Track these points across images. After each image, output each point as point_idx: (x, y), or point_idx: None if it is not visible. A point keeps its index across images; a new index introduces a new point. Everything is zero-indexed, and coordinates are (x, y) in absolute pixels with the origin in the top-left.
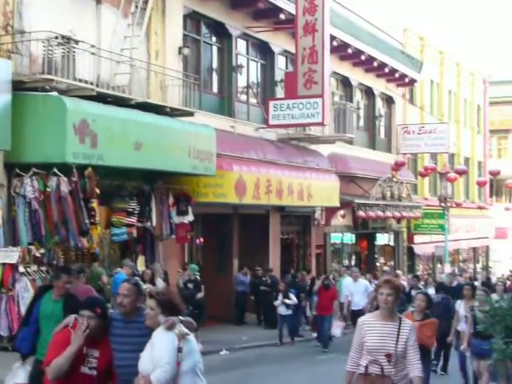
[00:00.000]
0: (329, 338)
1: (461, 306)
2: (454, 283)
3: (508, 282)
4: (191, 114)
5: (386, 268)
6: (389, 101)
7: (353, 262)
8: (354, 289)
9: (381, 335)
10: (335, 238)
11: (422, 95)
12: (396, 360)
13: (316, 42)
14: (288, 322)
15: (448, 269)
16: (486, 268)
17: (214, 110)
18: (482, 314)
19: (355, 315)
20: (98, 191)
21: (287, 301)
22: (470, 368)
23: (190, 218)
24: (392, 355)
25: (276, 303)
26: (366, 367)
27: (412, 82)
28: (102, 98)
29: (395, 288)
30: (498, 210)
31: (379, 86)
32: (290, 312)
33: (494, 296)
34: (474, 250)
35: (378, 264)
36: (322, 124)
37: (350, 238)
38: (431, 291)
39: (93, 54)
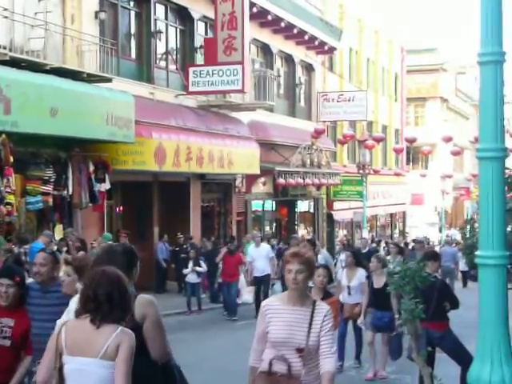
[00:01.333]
0: (236, 305)
1: (343, 275)
2: (366, 249)
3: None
4: (109, 80)
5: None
6: (309, 68)
7: (273, 229)
8: (257, 254)
9: (288, 324)
10: (256, 205)
11: (342, 63)
12: (308, 356)
13: (236, 8)
14: (198, 290)
15: (366, 234)
16: (403, 233)
17: (132, 77)
18: (392, 276)
19: (259, 281)
20: (12, 159)
21: (198, 268)
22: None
23: (107, 186)
24: (303, 350)
25: (185, 271)
26: (270, 364)
27: (331, 49)
28: (15, 63)
29: (306, 262)
30: (414, 176)
31: (299, 53)
32: (199, 280)
33: (388, 258)
34: (392, 215)
35: (298, 230)
36: (242, 91)
37: (270, 205)
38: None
39: (5, 17)
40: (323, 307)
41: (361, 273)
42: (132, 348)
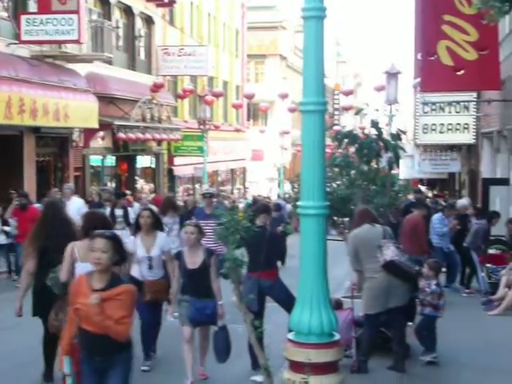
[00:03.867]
0: None
1: (136, 243)
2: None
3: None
4: None
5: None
6: (148, 21)
7: (113, 185)
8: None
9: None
10: (95, 160)
11: (182, 17)
12: None
13: None
14: (6, 251)
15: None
16: (244, 189)
17: None
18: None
19: None
20: None
21: (6, 228)
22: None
23: None
24: None
25: None
26: None
27: (171, 2)
28: None
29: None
30: (254, 132)
31: (139, 5)
32: (10, 241)
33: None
34: (232, 171)
35: (138, 186)
36: (78, 42)
37: (110, 160)
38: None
39: None
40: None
41: (162, 238)
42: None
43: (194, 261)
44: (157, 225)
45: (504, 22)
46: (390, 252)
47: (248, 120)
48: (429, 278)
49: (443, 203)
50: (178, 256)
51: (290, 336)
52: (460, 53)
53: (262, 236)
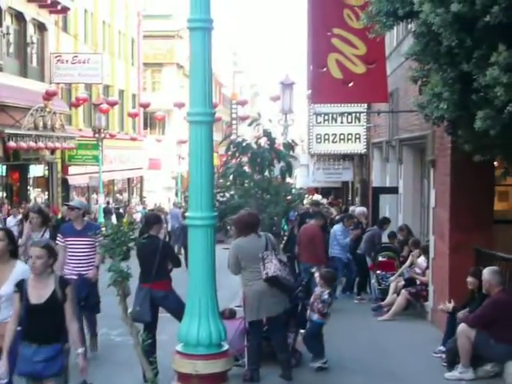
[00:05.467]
0: None
1: None
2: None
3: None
4: None
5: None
6: (41, 27)
7: (4, 195)
8: None
9: None
10: None
11: (76, 24)
12: None
13: None
14: None
15: (102, 200)
16: (141, 198)
17: None
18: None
19: None
20: None
21: None
22: None
23: None
24: None
25: None
26: None
27: (65, 9)
28: None
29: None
30: (151, 141)
31: (31, 11)
32: None
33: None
34: (129, 180)
35: (31, 196)
36: None
37: (0, 169)
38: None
39: None
40: None
41: (20, 270)
42: None
43: (39, 293)
44: (14, 252)
45: (392, 37)
46: (272, 266)
47: (145, 129)
48: (321, 286)
49: (334, 212)
50: (20, 287)
51: (178, 348)
52: (349, 66)
53: (155, 246)
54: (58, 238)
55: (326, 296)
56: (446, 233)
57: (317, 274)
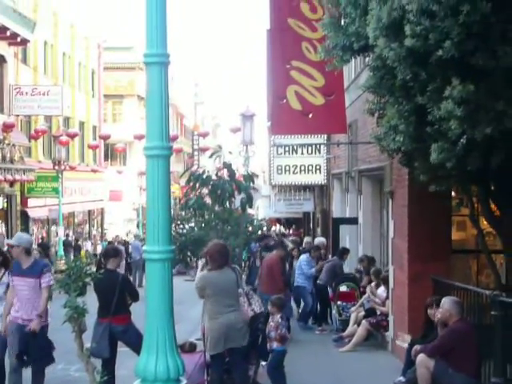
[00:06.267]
0: None
1: None
2: None
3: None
4: None
5: None
6: (0, 60)
7: None
8: None
9: None
10: None
11: (36, 56)
12: None
13: None
14: None
15: (62, 232)
16: (101, 230)
17: None
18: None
19: None
20: None
21: None
22: None
23: None
24: None
25: None
26: None
27: (24, 41)
28: None
29: None
30: (111, 173)
31: None
32: None
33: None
34: (90, 212)
35: None
36: None
37: None
38: None
39: None
40: None
41: None
42: None
43: None
44: None
45: (350, 69)
46: (257, 303)
47: (105, 160)
48: (273, 313)
49: (289, 242)
50: None
51: (136, 383)
52: (308, 97)
53: (113, 281)
54: None
55: (279, 319)
56: (405, 263)
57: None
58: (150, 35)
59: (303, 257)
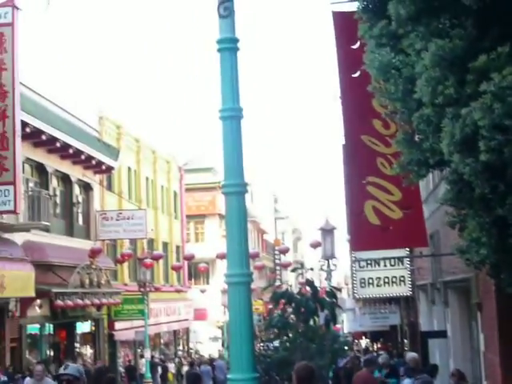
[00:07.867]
0: None
1: None
2: None
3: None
4: None
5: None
6: (86, 187)
7: (51, 353)
8: None
9: None
10: (32, 329)
11: (120, 182)
12: None
13: (7, 128)
14: None
15: (148, 354)
16: (187, 349)
17: None
18: None
19: None
20: None
21: None
22: None
23: None
24: None
25: None
26: None
27: (109, 169)
28: None
29: None
30: (195, 292)
31: (76, 172)
32: None
33: None
34: (175, 332)
35: (78, 352)
36: (14, 212)
37: (48, 328)
38: None
39: None
40: None
41: None
42: None
43: None
44: None
45: (428, 180)
46: None
47: (190, 279)
48: None
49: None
50: None
51: None
52: (386, 212)
53: None
54: None
55: None
56: (498, 378)
57: None
58: (228, 168)
59: (407, 381)
